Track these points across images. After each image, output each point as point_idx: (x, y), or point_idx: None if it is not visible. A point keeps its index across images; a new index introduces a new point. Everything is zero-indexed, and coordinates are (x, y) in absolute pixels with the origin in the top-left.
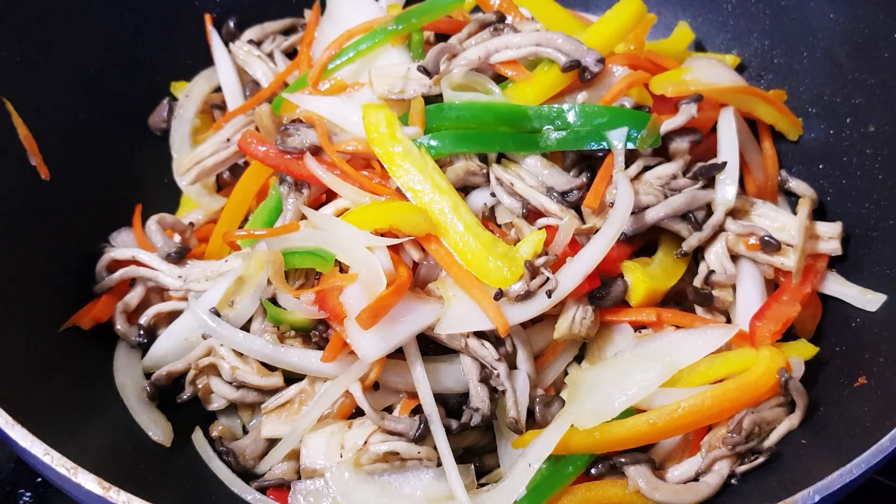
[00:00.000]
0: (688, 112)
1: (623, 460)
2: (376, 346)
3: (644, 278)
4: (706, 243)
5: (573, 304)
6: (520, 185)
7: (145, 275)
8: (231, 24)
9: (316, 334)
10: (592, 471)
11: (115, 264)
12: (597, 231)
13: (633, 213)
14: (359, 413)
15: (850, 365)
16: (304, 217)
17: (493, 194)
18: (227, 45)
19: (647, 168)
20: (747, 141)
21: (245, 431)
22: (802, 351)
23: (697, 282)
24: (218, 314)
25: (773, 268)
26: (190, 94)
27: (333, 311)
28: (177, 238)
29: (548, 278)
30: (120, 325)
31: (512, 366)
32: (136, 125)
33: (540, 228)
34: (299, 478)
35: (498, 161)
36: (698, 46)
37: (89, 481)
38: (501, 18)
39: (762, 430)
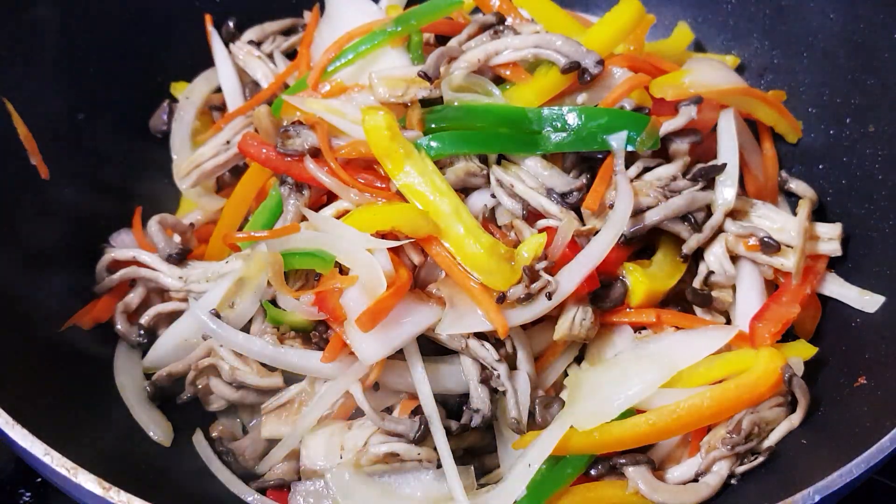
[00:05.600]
0: (687, 114)
1: (622, 461)
2: (376, 349)
3: (644, 280)
4: (706, 244)
5: (573, 305)
6: (520, 187)
7: (146, 275)
8: (231, 24)
9: (316, 335)
10: (592, 471)
11: (116, 265)
12: (596, 233)
13: (632, 214)
14: (359, 414)
15: (849, 365)
16: (304, 218)
17: (493, 196)
18: (227, 45)
19: (646, 169)
20: (747, 142)
21: (245, 432)
22: (802, 351)
23: (697, 283)
24: (218, 315)
25: (772, 269)
26: (190, 96)
27: (333, 312)
28: (177, 238)
29: (548, 281)
30: (120, 325)
31: (512, 367)
32: (136, 125)
33: (540, 230)
34: (299, 478)
35: (498, 162)
36: (698, 47)
37: (89, 481)
38: (501, 20)
39: (761, 431)
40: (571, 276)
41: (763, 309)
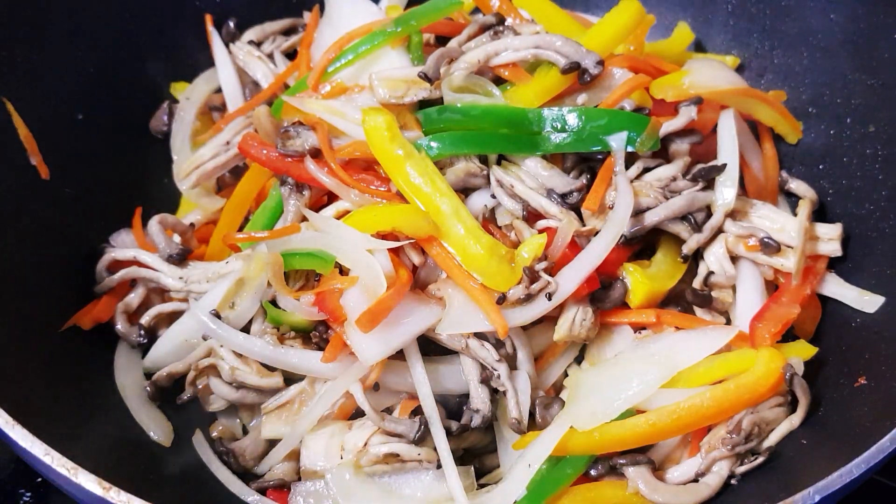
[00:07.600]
0: (687, 115)
1: (622, 461)
2: (376, 349)
3: (644, 280)
4: (706, 244)
5: (573, 305)
6: (520, 187)
7: (146, 276)
8: (231, 24)
9: (316, 335)
10: (592, 472)
11: (116, 265)
12: (596, 233)
13: (632, 214)
14: (359, 414)
15: (849, 365)
16: (304, 219)
17: (493, 196)
18: (227, 45)
19: (646, 170)
20: (747, 142)
21: (245, 432)
22: (802, 351)
23: (697, 283)
24: (218, 316)
25: (772, 269)
26: (190, 97)
27: (333, 312)
28: (177, 239)
29: (548, 282)
30: (120, 325)
31: (512, 367)
32: (136, 125)
33: (540, 231)
34: (299, 479)
35: (498, 163)
36: (698, 47)
37: (89, 481)
38: (501, 21)
39: (762, 431)
40: (571, 277)
41: (763, 309)
